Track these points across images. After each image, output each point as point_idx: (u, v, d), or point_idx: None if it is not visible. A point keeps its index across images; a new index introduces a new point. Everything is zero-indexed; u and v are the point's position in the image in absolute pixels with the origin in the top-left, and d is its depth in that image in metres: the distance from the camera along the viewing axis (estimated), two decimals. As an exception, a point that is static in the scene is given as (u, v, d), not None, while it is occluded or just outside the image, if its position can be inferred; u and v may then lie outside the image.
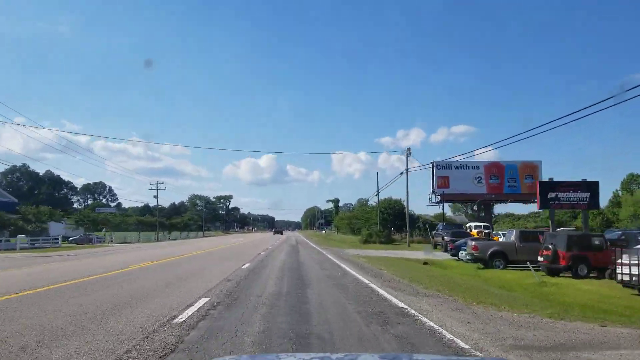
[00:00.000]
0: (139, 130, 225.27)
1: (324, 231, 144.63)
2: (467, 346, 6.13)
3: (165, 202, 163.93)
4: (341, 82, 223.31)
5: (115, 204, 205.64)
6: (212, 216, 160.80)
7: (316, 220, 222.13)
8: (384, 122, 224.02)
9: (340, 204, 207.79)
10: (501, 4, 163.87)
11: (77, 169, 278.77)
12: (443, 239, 32.32)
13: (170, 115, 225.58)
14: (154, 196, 71.68)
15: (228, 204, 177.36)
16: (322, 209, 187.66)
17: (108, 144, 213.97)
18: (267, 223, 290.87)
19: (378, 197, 52.45)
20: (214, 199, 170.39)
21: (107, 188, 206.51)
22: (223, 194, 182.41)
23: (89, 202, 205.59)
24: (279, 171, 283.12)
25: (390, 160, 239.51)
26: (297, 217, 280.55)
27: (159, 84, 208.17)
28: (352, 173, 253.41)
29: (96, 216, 57.75)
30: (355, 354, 3.72)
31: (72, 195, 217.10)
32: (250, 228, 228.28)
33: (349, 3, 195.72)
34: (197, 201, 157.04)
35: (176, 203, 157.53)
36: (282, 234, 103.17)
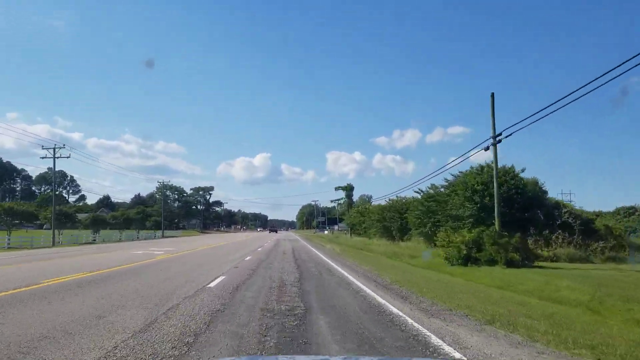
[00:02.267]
0: (133, 128, 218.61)
1: (326, 231, 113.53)
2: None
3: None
4: (339, 82, 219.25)
5: (77, 196, 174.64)
6: (186, 212, 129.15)
7: (313, 218, 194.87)
8: (379, 122, 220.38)
9: (340, 201, 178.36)
10: (500, 4, 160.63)
11: (69, 166, 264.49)
12: None
13: (166, 113, 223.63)
14: (48, 168, 40.48)
15: (208, 197, 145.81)
16: (321, 205, 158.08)
17: (101, 141, 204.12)
18: (260, 222, 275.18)
19: (495, 152, 21.25)
20: (191, 191, 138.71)
21: (69, 178, 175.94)
22: (203, 185, 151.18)
23: (47, 194, 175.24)
24: (274, 170, 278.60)
25: (384, 160, 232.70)
26: (291, 217, 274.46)
27: (155, 81, 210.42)
28: (347, 173, 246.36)
29: None
30: (355, 356, 4.22)
31: (29, 185, 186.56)
32: (239, 227, 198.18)
33: (348, 3, 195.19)
34: (168, 192, 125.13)
35: (142, 194, 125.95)
36: (276, 232, 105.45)
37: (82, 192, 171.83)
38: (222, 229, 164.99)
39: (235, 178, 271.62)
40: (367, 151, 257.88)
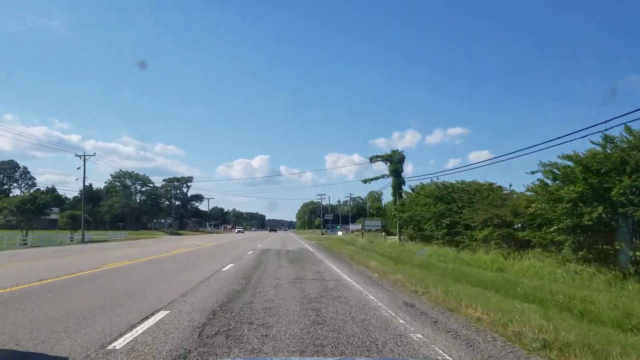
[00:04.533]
0: (131, 130, 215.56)
1: (340, 232, 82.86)
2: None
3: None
4: (337, 83, 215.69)
5: (32, 190, 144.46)
6: (152, 206, 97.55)
7: (317, 217, 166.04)
8: (378, 123, 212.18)
9: (337, 201, 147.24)
10: (499, 6, 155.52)
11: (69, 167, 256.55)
12: None
13: (164, 115, 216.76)
14: None
15: (186, 189, 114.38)
16: (322, 204, 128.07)
17: (99, 143, 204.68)
18: (257, 221, 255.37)
19: None
20: (164, 182, 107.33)
21: (21, 168, 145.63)
22: (179, 175, 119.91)
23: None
24: (272, 172, 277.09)
25: (381, 165, 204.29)
26: (289, 216, 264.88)
27: (153, 83, 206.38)
28: (346, 174, 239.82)
29: None
30: (351, 358, 4.34)
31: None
32: (230, 227, 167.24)
33: (348, 4, 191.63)
34: (128, 181, 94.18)
35: (93, 186, 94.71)
36: (275, 231, 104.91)
37: (38, 186, 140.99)
38: (207, 229, 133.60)
39: (234, 180, 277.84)
40: (366, 153, 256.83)
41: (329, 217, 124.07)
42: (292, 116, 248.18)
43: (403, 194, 38.51)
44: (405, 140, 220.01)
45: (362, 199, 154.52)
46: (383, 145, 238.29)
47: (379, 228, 60.26)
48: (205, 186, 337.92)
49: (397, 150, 39.93)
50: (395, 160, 39.06)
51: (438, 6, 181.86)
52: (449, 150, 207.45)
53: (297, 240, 48.01)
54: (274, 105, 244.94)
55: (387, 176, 39.94)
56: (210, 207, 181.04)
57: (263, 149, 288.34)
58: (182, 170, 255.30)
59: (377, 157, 40.17)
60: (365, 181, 41.36)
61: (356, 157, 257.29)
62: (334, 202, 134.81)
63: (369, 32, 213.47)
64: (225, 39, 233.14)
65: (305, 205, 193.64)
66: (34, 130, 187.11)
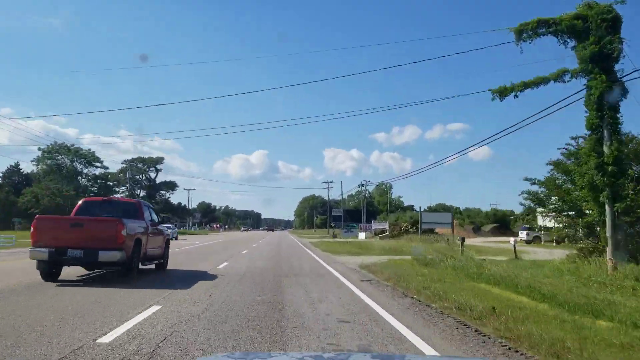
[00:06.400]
0: (128, 124, 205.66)
1: (362, 234, 56.89)
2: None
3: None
4: (336, 82, 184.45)
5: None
6: (102, 196, 71.38)
7: (318, 214, 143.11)
8: (377, 116, 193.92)
9: (341, 195, 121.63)
10: (499, 6, 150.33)
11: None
12: None
13: (161, 109, 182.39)
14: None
15: (154, 174, 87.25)
16: (329, 197, 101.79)
17: (97, 137, 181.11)
18: (252, 220, 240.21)
19: None
20: (123, 164, 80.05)
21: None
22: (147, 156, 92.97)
23: None
24: (270, 167, 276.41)
25: (382, 158, 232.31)
26: (287, 215, 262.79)
27: (150, 78, 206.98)
28: (344, 170, 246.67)
29: None
30: (348, 352, 4.12)
31: None
32: (218, 226, 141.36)
33: (348, 3, 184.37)
34: (64, 158, 67.42)
35: (21, 168, 67.98)
36: (273, 231, 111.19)
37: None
38: (192, 228, 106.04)
39: (232, 175, 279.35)
40: (365, 148, 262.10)
41: (339, 212, 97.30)
42: (291, 111, 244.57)
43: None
44: (405, 135, 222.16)
45: (369, 192, 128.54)
46: (383, 140, 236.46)
47: (449, 226, 34.19)
48: (200, 182, 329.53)
49: (597, 2, 13.58)
50: (597, 30, 12.65)
51: (438, 6, 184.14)
52: (449, 145, 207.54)
53: (310, 258, 21.59)
54: (273, 101, 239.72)
55: (573, 76, 13.47)
56: (197, 203, 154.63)
57: (261, 144, 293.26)
58: (179, 165, 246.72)
59: (540, 22, 13.32)
60: (511, 90, 14.20)
61: (354, 153, 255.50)
62: (338, 194, 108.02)
63: (369, 32, 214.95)
64: (226, 39, 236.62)
65: (305, 201, 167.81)
66: (30, 123, 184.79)
